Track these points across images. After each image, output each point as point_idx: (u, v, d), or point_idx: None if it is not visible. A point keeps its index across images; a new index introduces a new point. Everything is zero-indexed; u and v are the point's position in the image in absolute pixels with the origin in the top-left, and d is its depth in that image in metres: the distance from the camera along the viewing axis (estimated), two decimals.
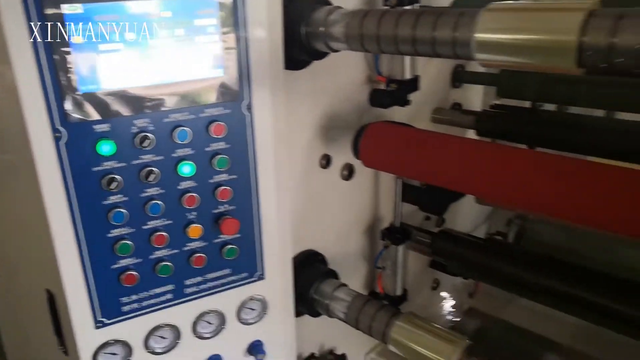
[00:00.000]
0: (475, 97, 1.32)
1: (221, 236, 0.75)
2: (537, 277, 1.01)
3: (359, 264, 1.13)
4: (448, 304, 1.50)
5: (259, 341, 0.85)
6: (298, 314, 0.97)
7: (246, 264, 0.79)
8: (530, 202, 0.77)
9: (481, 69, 1.21)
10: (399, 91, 0.93)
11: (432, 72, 1.16)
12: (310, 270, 0.95)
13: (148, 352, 0.75)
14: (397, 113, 1.04)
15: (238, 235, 0.76)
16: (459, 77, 1.21)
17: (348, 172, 1.00)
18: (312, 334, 1.07)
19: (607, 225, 0.69)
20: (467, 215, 1.43)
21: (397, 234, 1.06)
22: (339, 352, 1.12)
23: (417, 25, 0.63)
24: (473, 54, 0.58)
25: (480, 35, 0.57)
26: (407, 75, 0.93)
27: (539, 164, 0.74)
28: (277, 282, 0.84)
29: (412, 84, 0.94)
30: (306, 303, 0.94)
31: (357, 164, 1.00)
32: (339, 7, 0.74)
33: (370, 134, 0.86)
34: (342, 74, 0.93)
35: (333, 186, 0.99)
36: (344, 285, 0.94)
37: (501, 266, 1.07)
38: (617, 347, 1.16)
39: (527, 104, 1.13)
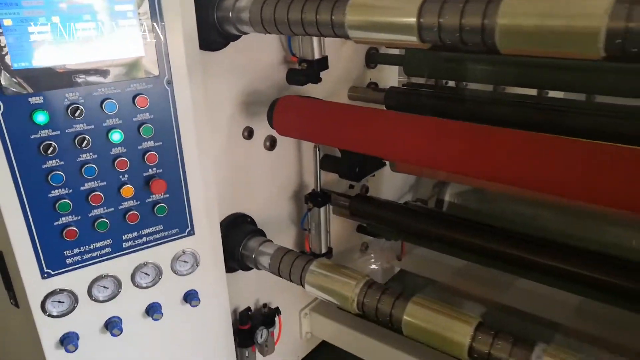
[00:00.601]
0: (392, 77, 1.48)
1: (152, 196, 0.86)
2: (450, 233, 1.17)
3: (288, 227, 1.26)
4: (377, 265, 1.66)
5: (193, 290, 0.97)
6: (231, 269, 1.11)
7: (176, 220, 0.91)
8: (422, 160, 0.91)
9: (392, 51, 1.36)
10: (310, 70, 1.06)
11: (347, 54, 1.30)
12: (239, 230, 1.08)
13: (92, 300, 0.86)
14: (315, 90, 1.18)
15: (167, 195, 0.88)
16: (372, 59, 1.36)
17: (270, 143, 1.13)
18: (248, 290, 1.20)
19: (498, 179, 0.82)
20: (390, 186, 1.59)
21: (318, 197, 1.20)
22: (273, 306, 1.25)
23: (304, 10, 0.76)
24: (347, 34, 0.72)
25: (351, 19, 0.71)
26: (317, 56, 1.06)
27: (435, 129, 0.89)
28: (206, 237, 0.96)
29: (322, 63, 1.07)
30: (236, 259, 1.07)
31: (279, 136, 1.14)
32: None
33: (281, 105, 0.99)
34: (261, 55, 1.06)
35: (257, 156, 1.12)
36: (269, 241, 1.08)
37: (411, 224, 1.23)
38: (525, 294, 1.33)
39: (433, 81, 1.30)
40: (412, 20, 0.65)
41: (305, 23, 0.77)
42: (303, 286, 0.97)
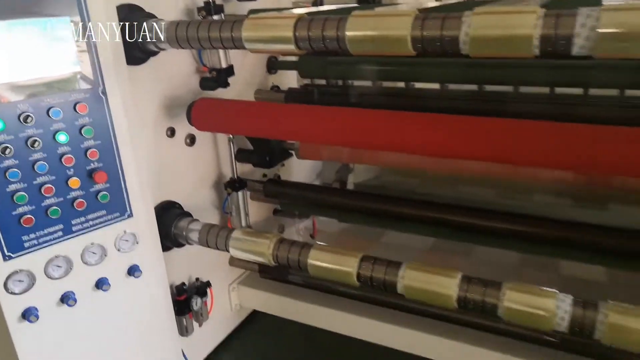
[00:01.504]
0: (292, 80, 1.74)
1: (95, 185, 1.05)
2: (352, 203, 1.43)
3: (211, 211, 1.47)
4: None
5: (135, 265, 1.15)
6: (167, 248, 1.29)
7: (117, 206, 1.10)
8: (313, 138, 1.17)
9: (289, 58, 1.62)
10: (219, 77, 1.29)
11: (250, 62, 1.54)
12: (170, 214, 1.27)
13: (48, 278, 1.02)
14: (225, 94, 1.40)
15: (107, 185, 1.07)
16: (272, 66, 1.61)
17: (190, 140, 1.34)
18: (182, 267, 1.39)
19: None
20: (299, 173, 1.85)
21: (235, 183, 1.43)
22: (204, 280, 1.45)
23: (210, 29, 0.99)
24: (245, 46, 0.96)
25: (246, 34, 0.95)
26: (224, 65, 1.29)
27: (324, 114, 1.14)
28: (143, 219, 1.15)
29: (229, 71, 1.30)
30: (170, 238, 1.27)
31: (198, 133, 1.35)
32: (161, 20, 1.08)
33: (197, 107, 1.21)
34: (177, 66, 1.27)
35: (179, 151, 1.32)
36: (196, 220, 1.29)
37: (318, 198, 1.49)
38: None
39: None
40: (290, 34, 0.90)
41: (212, 39, 1.00)
42: (228, 250, 1.19)
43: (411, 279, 1.00)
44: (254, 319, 1.72)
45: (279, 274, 1.50)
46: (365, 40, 0.84)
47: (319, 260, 1.08)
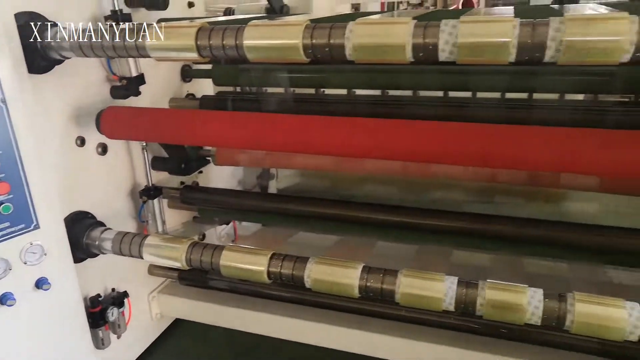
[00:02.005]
0: (209, 88, 1.76)
1: None
2: (264, 205, 1.48)
3: (128, 220, 1.47)
4: None
5: (44, 277, 1.13)
6: (80, 259, 1.28)
7: (22, 217, 1.08)
8: (223, 142, 1.20)
9: (202, 67, 1.65)
10: (129, 85, 1.30)
11: (164, 71, 1.56)
12: (81, 224, 1.26)
13: None
14: (138, 102, 1.40)
15: (10, 196, 1.05)
16: (187, 74, 1.63)
17: (102, 149, 1.34)
18: (97, 279, 1.37)
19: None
20: (219, 181, 1.87)
21: (150, 191, 1.43)
22: (121, 290, 1.44)
23: (115, 37, 1.01)
24: (149, 54, 0.99)
25: (150, 43, 0.98)
26: (134, 73, 1.30)
27: (233, 119, 1.18)
28: (51, 230, 1.13)
29: (139, 79, 1.31)
30: (82, 248, 1.25)
31: (110, 142, 1.35)
32: (64, 27, 1.08)
33: (106, 115, 1.22)
34: (86, 75, 1.26)
35: (91, 160, 1.31)
36: (109, 229, 1.28)
37: (235, 202, 1.52)
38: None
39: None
40: (191, 42, 0.94)
41: (116, 48, 1.02)
42: (142, 257, 1.20)
43: (317, 273, 1.06)
44: (178, 326, 1.71)
45: (199, 280, 1.52)
46: (262, 48, 0.90)
47: (231, 261, 1.12)
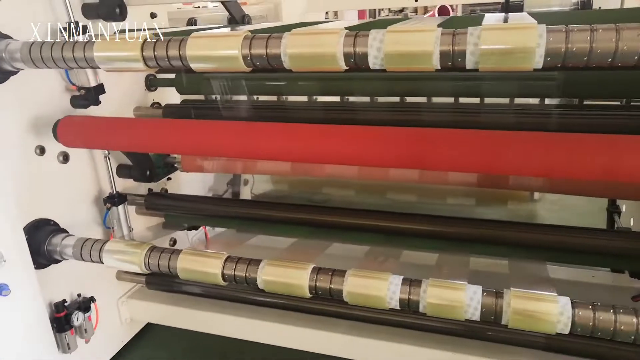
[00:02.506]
0: (176, 97, 1.79)
1: None
2: (228, 210, 1.50)
3: (93, 227, 1.49)
4: None
5: (3, 284, 1.16)
6: (42, 265, 1.30)
7: None
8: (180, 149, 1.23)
9: (167, 76, 1.68)
10: (88, 95, 1.32)
11: (127, 81, 1.59)
12: (42, 231, 1.28)
13: None
14: (101, 112, 1.43)
15: None
16: (152, 83, 1.66)
17: (64, 158, 1.36)
18: (62, 285, 1.39)
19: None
20: (189, 186, 1.90)
21: (114, 198, 1.46)
22: (88, 296, 1.46)
23: (63, 49, 1.04)
24: (98, 65, 1.02)
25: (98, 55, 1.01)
26: (92, 83, 1.32)
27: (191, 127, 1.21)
28: (8, 237, 1.16)
29: (99, 89, 1.34)
30: (43, 255, 1.27)
31: (72, 150, 1.37)
32: (15, 40, 1.11)
33: (62, 124, 1.24)
34: (43, 85, 1.29)
35: (52, 169, 1.33)
36: (71, 235, 1.30)
37: (202, 208, 1.55)
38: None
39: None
40: (137, 53, 0.97)
41: (66, 59, 1.04)
42: (102, 262, 1.23)
43: (269, 274, 1.09)
44: (149, 330, 1.74)
45: (165, 284, 1.54)
46: (204, 59, 0.93)
47: (187, 264, 1.15)
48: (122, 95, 1.56)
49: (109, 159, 1.45)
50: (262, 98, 1.75)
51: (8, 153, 1.21)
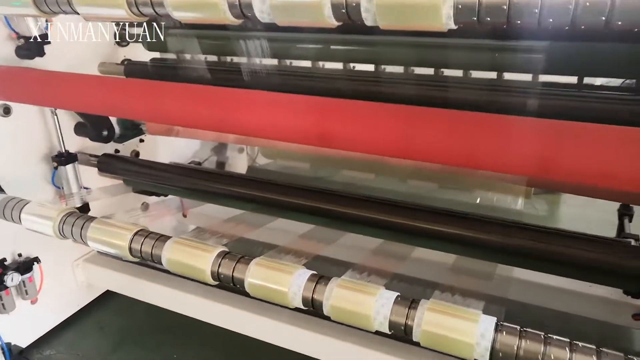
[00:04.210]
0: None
1: None
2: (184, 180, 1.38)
3: (42, 186, 1.43)
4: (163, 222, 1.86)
5: None
6: None
7: None
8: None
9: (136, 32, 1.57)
10: (31, 45, 1.24)
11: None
12: None
13: None
14: (58, 65, 1.34)
15: None
16: (122, 38, 1.56)
17: (4, 110, 1.29)
18: (7, 242, 1.34)
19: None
20: (168, 151, 1.82)
21: (62, 157, 1.39)
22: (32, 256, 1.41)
23: None
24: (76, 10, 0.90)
25: None
26: (35, 33, 1.24)
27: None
28: None
29: (42, 39, 1.25)
30: None
31: (16, 104, 1.30)
32: None
33: None
34: None
35: None
36: (9, 195, 1.24)
37: (151, 174, 1.45)
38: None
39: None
40: None
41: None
42: (21, 222, 1.15)
43: (172, 253, 0.98)
44: (108, 298, 1.68)
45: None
46: (186, 6, 0.78)
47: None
48: (85, 48, 1.47)
49: (56, 115, 1.37)
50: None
51: None
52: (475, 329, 0.73)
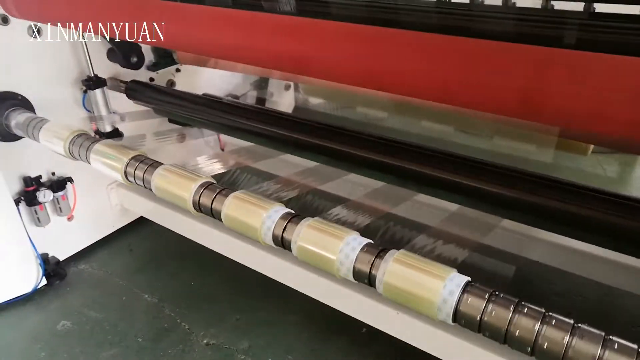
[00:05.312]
0: None
1: None
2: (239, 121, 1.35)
3: (74, 109, 1.47)
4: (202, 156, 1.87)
5: None
6: (12, 138, 1.32)
7: None
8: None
9: None
10: None
11: None
12: (3, 105, 1.28)
13: None
14: None
15: None
16: None
17: (35, 30, 1.31)
18: (39, 162, 1.41)
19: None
20: (206, 83, 1.80)
21: (90, 81, 1.41)
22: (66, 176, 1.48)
23: None
24: None
25: None
26: None
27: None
28: None
29: None
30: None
31: (47, 27, 1.32)
32: None
33: None
34: None
35: (21, 41, 1.30)
36: (29, 112, 1.29)
37: (179, 104, 1.44)
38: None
39: None
40: None
41: None
42: (39, 141, 1.19)
43: (159, 179, 0.96)
44: (143, 224, 1.74)
45: None
46: None
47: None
48: None
49: (83, 38, 1.38)
50: None
51: None
52: (441, 286, 0.64)
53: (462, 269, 0.71)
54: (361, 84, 0.62)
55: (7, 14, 1.26)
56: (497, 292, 0.63)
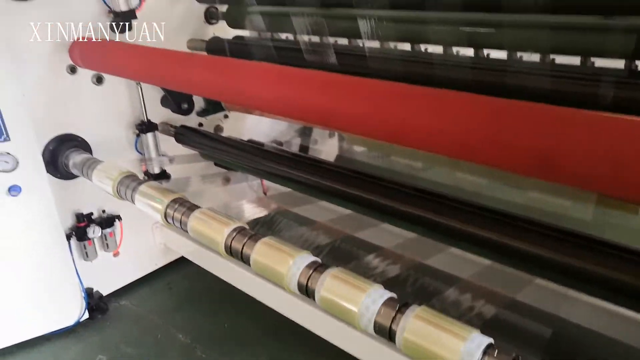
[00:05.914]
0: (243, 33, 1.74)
1: None
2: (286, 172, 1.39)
3: (125, 150, 1.56)
4: (244, 199, 1.93)
5: (16, 185, 1.29)
6: (63, 177, 1.41)
7: None
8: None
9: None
10: (118, 19, 1.35)
11: (182, 11, 1.58)
12: (64, 146, 1.38)
13: None
14: (150, 42, 1.46)
15: None
16: (212, 15, 1.63)
17: (97, 79, 1.43)
18: (92, 199, 1.50)
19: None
20: (252, 129, 1.87)
21: (142, 125, 1.50)
22: (115, 214, 1.56)
23: None
24: None
25: None
26: (123, 8, 1.35)
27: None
28: (22, 143, 1.27)
29: (129, 15, 1.36)
30: (60, 167, 1.38)
31: (108, 76, 1.44)
32: None
33: (75, 43, 1.29)
34: (79, 6, 1.35)
35: (84, 88, 1.42)
36: (86, 153, 1.38)
37: (223, 149, 1.50)
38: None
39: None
40: None
41: None
42: (91, 180, 1.27)
43: (195, 222, 1.00)
44: (183, 262, 1.78)
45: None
46: None
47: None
48: (175, 25, 1.57)
49: (140, 86, 1.48)
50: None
51: (35, 68, 1.31)
52: (461, 347, 0.63)
53: (493, 327, 0.69)
54: (386, 139, 0.64)
55: (75, 65, 1.38)
56: (520, 357, 0.61)
